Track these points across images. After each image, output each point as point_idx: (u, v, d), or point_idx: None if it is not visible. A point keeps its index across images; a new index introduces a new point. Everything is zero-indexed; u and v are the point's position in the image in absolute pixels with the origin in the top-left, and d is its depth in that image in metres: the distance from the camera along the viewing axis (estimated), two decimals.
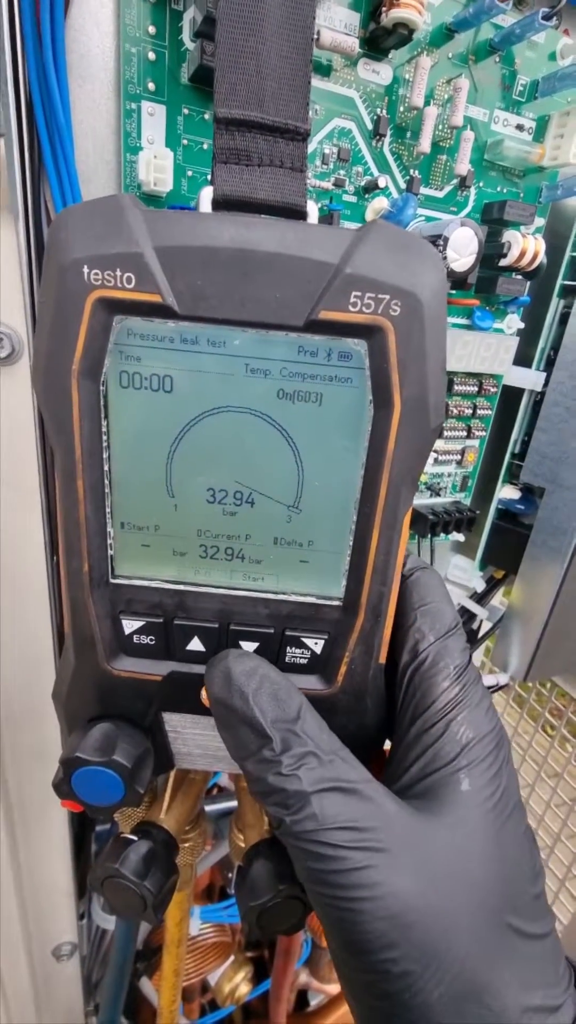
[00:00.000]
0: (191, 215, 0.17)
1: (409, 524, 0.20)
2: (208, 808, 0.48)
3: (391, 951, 0.16)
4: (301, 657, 0.21)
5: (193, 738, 0.22)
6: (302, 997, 0.68)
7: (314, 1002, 0.66)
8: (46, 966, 0.42)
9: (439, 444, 0.41)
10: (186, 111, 0.26)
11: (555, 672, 0.51)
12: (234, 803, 0.48)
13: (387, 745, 0.24)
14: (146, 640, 0.20)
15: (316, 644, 0.20)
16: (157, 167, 0.24)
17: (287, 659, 0.20)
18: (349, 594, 0.20)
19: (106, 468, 0.19)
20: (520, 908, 0.17)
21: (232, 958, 0.59)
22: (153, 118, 0.25)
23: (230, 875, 0.50)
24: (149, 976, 0.53)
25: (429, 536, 0.41)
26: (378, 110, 0.29)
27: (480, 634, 0.51)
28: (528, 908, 0.17)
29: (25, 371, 0.24)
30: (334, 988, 0.65)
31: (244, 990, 0.59)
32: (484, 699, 0.20)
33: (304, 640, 0.20)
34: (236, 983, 0.59)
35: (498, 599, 0.51)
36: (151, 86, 0.25)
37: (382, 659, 0.21)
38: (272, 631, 0.20)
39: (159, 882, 0.21)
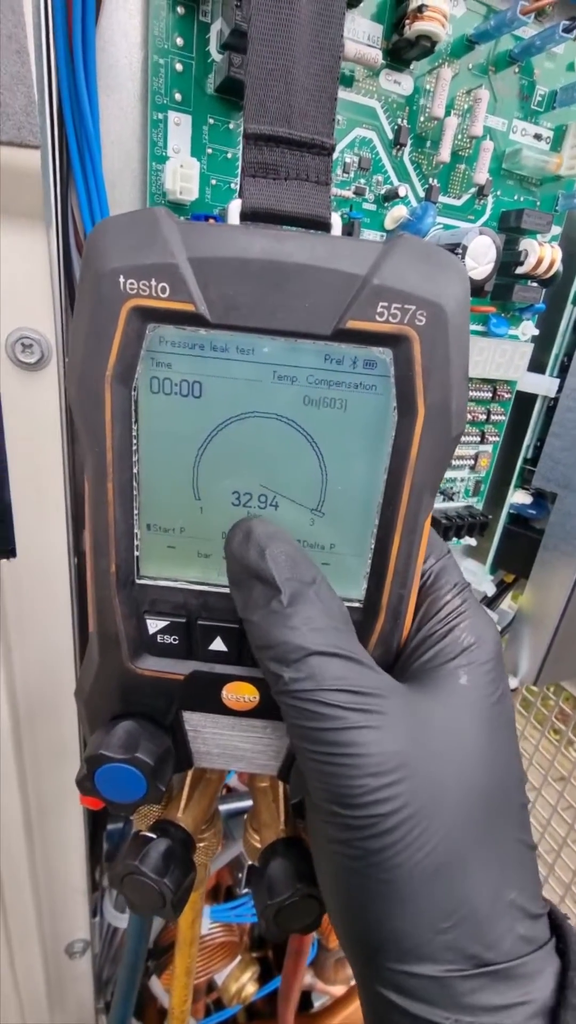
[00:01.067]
0: (224, 228, 0.18)
1: (429, 529, 0.20)
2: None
3: (382, 805, 0.16)
4: None
5: (212, 737, 0.22)
6: (306, 998, 0.68)
7: (318, 1003, 0.66)
8: (59, 963, 0.43)
9: None
10: (211, 121, 0.26)
11: (566, 676, 0.51)
12: (244, 803, 0.49)
13: None
14: (170, 640, 0.21)
15: None
16: (184, 176, 0.24)
17: None
18: (369, 596, 0.20)
19: (135, 471, 0.19)
20: (507, 807, 0.18)
21: (239, 958, 0.59)
22: (179, 128, 0.26)
23: (240, 875, 0.50)
24: (159, 975, 0.54)
25: None
26: (399, 120, 0.29)
27: None
28: (514, 812, 0.18)
29: (53, 377, 0.24)
30: (339, 989, 0.65)
31: (251, 990, 0.59)
32: (482, 611, 0.21)
33: None
34: (243, 983, 0.59)
35: (507, 603, 0.51)
36: (178, 97, 0.25)
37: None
38: None
39: (178, 879, 0.22)
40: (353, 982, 0.66)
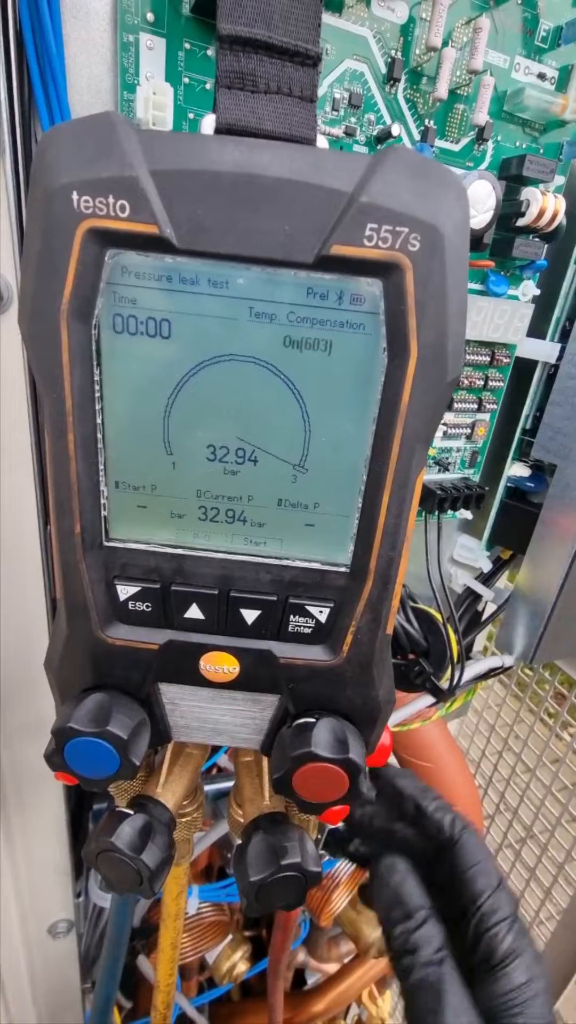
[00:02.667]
0: (190, 136, 0.16)
1: (421, 486, 0.19)
2: (207, 788, 0.48)
3: None
4: (305, 626, 0.19)
5: (191, 710, 0.21)
6: (299, 977, 0.68)
7: (311, 981, 0.67)
8: (42, 944, 0.42)
9: (448, 417, 0.39)
10: (188, 46, 0.24)
11: (562, 655, 0.50)
12: (231, 784, 0.48)
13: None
14: (142, 607, 0.19)
15: (321, 613, 0.19)
16: (156, 104, 0.22)
17: (290, 628, 0.19)
18: (357, 560, 0.19)
19: (99, 421, 0.18)
20: None
21: (230, 937, 0.59)
22: (152, 52, 0.23)
23: (228, 854, 0.49)
24: (147, 954, 0.53)
25: (436, 513, 0.39)
26: (392, 52, 0.27)
27: (484, 616, 0.50)
28: None
29: (15, 320, 0.22)
30: (331, 967, 0.66)
31: (242, 968, 0.60)
32: (530, 944, 0.24)
33: (308, 608, 0.19)
34: (234, 961, 0.59)
35: (503, 581, 0.50)
36: (150, 17, 0.23)
37: (389, 629, 0.20)
38: (275, 599, 0.19)
39: (155, 856, 0.21)
40: (345, 959, 0.66)
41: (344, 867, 0.57)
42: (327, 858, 0.53)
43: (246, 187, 0.15)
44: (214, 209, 0.15)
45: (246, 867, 0.21)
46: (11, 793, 0.35)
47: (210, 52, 0.24)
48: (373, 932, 0.57)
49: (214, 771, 0.52)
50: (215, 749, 0.45)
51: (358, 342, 0.17)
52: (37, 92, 0.22)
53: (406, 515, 0.18)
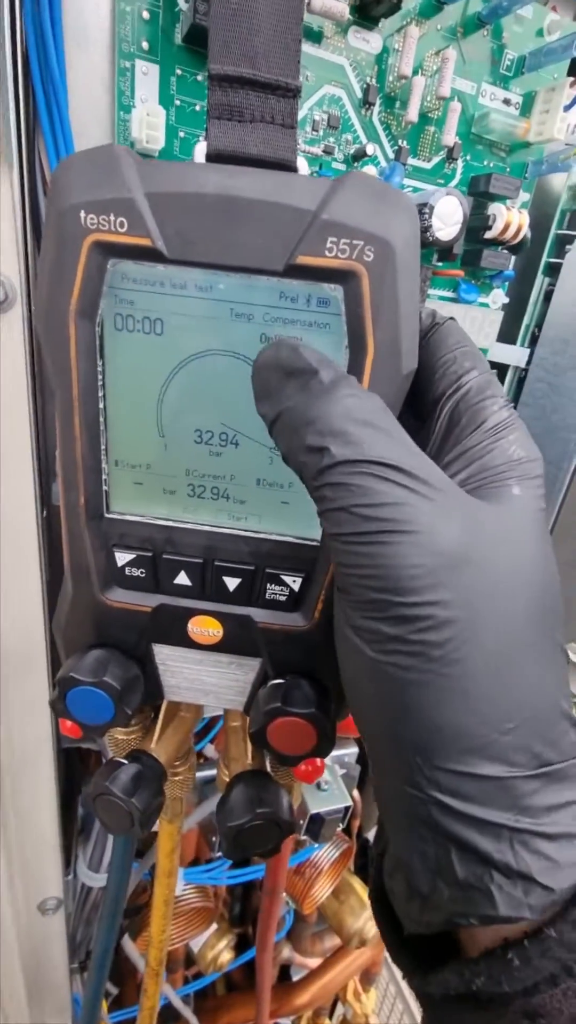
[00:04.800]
0: (181, 164, 0.18)
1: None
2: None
3: (437, 591, 0.14)
4: (280, 594, 0.22)
5: (180, 671, 0.23)
6: (284, 973, 0.69)
7: (296, 977, 0.67)
8: (31, 920, 0.43)
9: None
10: (179, 72, 0.26)
11: None
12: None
13: None
14: (137, 572, 0.21)
15: (294, 582, 0.21)
16: (150, 124, 0.25)
17: (267, 595, 0.21)
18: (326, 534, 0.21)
19: (101, 407, 0.20)
20: (554, 612, 0.16)
21: (215, 925, 0.60)
22: (147, 77, 0.26)
23: (214, 839, 0.51)
24: (133, 937, 0.55)
25: None
26: (368, 78, 0.30)
27: None
28: (558, 618, 0.17)
29: (18, 318, 0.24)
30: (315, 962, 0.67)
31: (227, 957, 0.60)
32: (526, 430, 0.19)
33: (283, 577, 0.21)
34: (219, 950, 0.60)
35: None
36: (145, 45, 0.25)
37: None
38: (253, 568, 0.21)
39: (146, 800, 0.23)
40: (329, 954, 0.67)
41: (326, 854, 0.59)
42: (310, 844, 0.55)
43: (226, 206, 0.17)
44: (199, 225, 0.17)
45: (227, 813, 0.23)
46: (5, 768, 0.36)
47: (199, 78, 0.27)
48: (356, 922, 0.59)
49: (201, 760, 0.53)
50: (203, 734, 0.47)
51: (324, 339, 0.19)
52: (41, 112, 0.25)
53: None
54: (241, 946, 0.62)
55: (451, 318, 0.22)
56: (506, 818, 0.14)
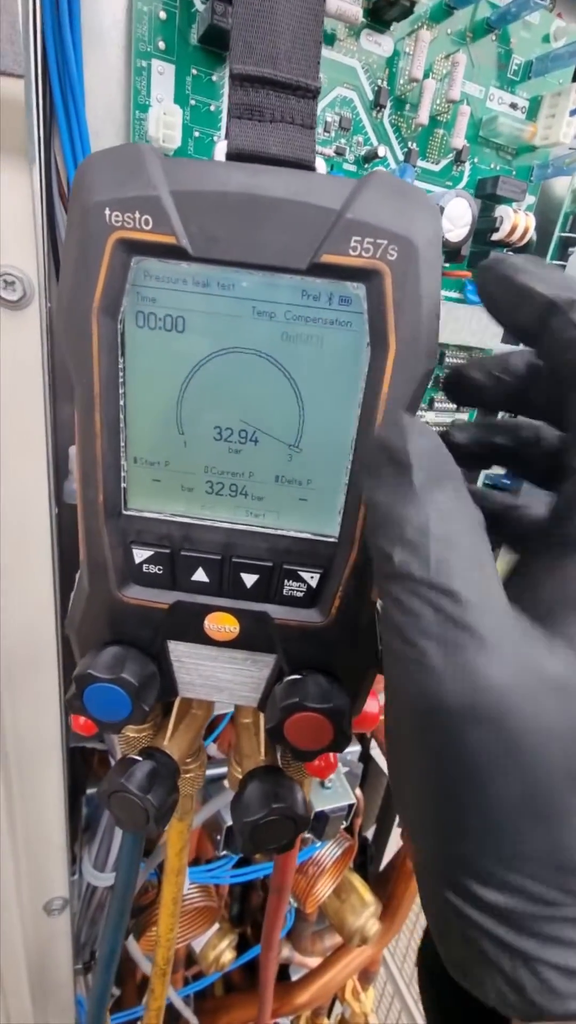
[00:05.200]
0: (205, 163, 0.18)
1: None
2: None
3: (464, 730, 0.13)
4: (298, 591, 0.22)
5: (195, 667, 0.23)
6: (284, 972, 0.69)
7: (295, 977, 0.67)
8: (37, 920, 0.43)
9: (430, 417, 0.42)
10: (195, 72, 0.26)
11: None
12: (221, 770, 0.50)
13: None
14: (154, 569, 0.21)
15: (312, 578, 0.22)
16: (167, 123, 0.25)
17: (284, 592, 0.22)
18: (344, 531, 0.21)
19: (121, 404, 0.20)
20: None
21: (217, 925, 0.60)
22: (163, 77, 0.26)
23: (218, 837, 0.51)
24: (137, 937, 0.54)
25: None
26: (379, 81, 0.30)
27: None
28: None
29: (35, 316, 0.24)
30: (315, 961, 0.67)
31: (228, 957, 0.60)
32: None
33: (301, 574, 0.21)
34: (220, 950, 0.60)
35: None
36: (161, 45, 0.26)
37: (373, 595, 0.22)
38: (271, 564, 0.21)
39: (161, 797, 0.23)
40: (328, 953, 0.67)
41: (329, 853, 0.59)
42: (313, 842, 0.55)
43: (250, 205, 0.17)
44: (223, 223, 0.18)
45: (243, 809, 0.23)
46: (14, 768, 0.36)
47: (215, 78, 0.27)
48: (357, 920, 0.59)
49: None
50: (210, 728, 0.47)
51: (345, 337, 0.19)
52: (58, 110, 0.25)
53: None
54: (240, 947, 0.62)
55: None
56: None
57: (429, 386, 0.40)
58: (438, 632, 0.14)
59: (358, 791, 0.56)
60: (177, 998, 0.58)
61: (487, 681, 0.13)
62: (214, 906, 0.57)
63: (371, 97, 0.30)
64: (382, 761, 0.61)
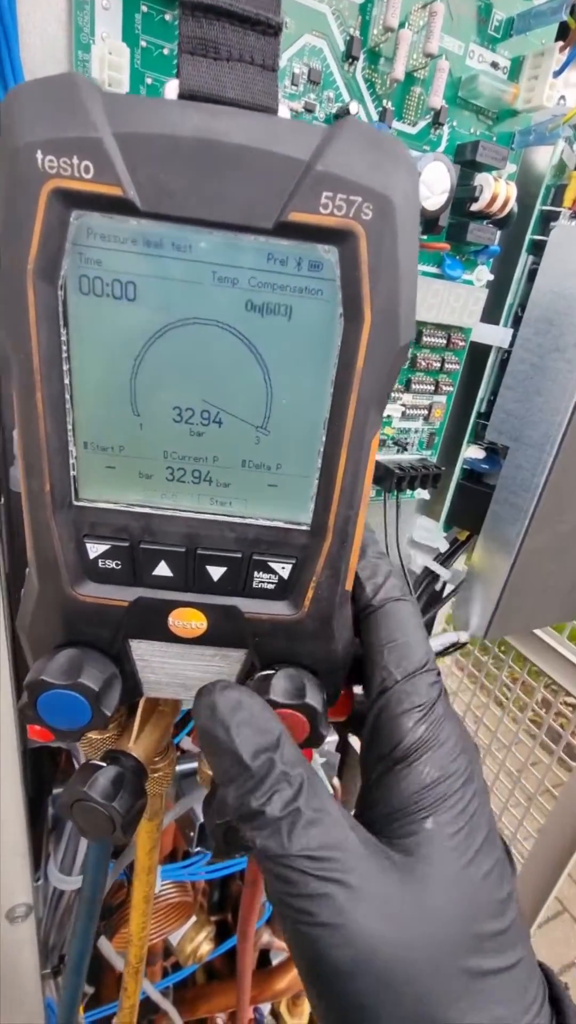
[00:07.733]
0: (155, 101, 0.16)
1: (376, 449, 0.20)
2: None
3: (350, 981, 0.16)
4: (268, 582, 0.20)
5: (161, 666, 0.21)
6: (264, 957, 0.69)
7: (276, 961, 0.68)
8: None
9: (406, 398, 0.40)
10: (144, 8, 0.24)
11: (514, 630, 0.52)
12: (195, 764, 0.48)
13: (357, 688, 0.24)
14: (112, 565, 0.19)
15: (284, 569, 0.20)
16: (112, 64, 0.22)
17: (254, 584, 0.20)
18: (317, 518, 0.20)
19: (66, 382, 0.18)
20: (483, 947, 0.17)
21: (194, 918, 0.59)
22: (108, 12, 0.23)
23: (192, 834, 0.50)
24: (109, 937, 0.53)
25: (395, 492, 0.41)
26: (351, 29, 0.28)
27: (443, 596, 0.52)
28: (492, 945, 0.18)
29: None
30: None
31: (206, 949, 0.60)
32: (452, 735, 0.20)
33: (271, 565, 0.20)
34: (198, 942, 0.60)
35: (461, 563, 0.52)
36: None
37: (348, 585, 0.20)
38: (239, 556, 0.20)
39: (127, 804, 0.21)
40: None
41: None
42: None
43: (207, 152, 0.15)
44: (177, 173, 0.15)
45: (215, 811, 0.21)
46: None
47: (168, 17, 0.24)
48: None
49: (178, 753, 0.52)
50: (180, 726, 0.46)
51: (316, 307, 0.17)
52: None
53: (362, 475, 0.19)
54: (221, 933, 0.62)
55: (399, 598, 0.22)
56: None
57: (405, 366, 0.38)
58: (311, 889, 0.17)
59: (336, 781, 0.55)
60: (154, 992, 0.57)
61: (360, 933, 0.16)
62: (189, 901, 0.57)
63: (342, 47, 0.28)
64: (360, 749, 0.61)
